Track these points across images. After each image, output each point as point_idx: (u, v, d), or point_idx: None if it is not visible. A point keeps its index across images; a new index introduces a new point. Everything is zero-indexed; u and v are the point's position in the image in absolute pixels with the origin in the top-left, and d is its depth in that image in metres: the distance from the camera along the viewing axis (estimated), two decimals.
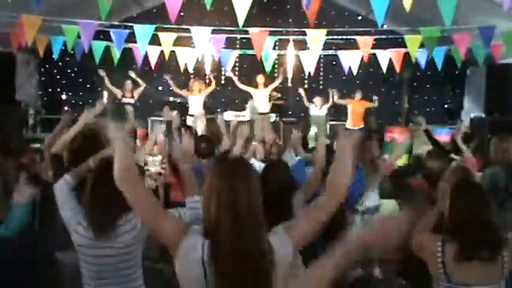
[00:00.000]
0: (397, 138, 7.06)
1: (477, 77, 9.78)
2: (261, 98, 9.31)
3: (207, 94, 9.21)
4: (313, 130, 9.37)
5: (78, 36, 7.67)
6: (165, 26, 7.77)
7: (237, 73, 10.07)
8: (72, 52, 8.29)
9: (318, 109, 9.70)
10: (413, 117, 10.04)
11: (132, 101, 9.04)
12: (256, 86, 9.31)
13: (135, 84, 9.12)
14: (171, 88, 9.33)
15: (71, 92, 10.85)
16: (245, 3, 6.08)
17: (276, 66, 10.28)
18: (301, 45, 8.99)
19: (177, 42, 8.49)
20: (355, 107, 9.61)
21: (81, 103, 10.18)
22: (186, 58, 9.08)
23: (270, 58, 9.29)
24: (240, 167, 1.66)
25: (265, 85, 9.28)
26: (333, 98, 9.61)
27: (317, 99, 9.73)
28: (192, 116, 9.09)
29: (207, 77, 9.58)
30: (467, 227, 2.26)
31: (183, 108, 9.32)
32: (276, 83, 9.29)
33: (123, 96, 8.99)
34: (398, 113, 11.13)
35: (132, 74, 8.98)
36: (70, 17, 7.36)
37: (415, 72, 10.45)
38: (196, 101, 9.16)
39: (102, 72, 8.75)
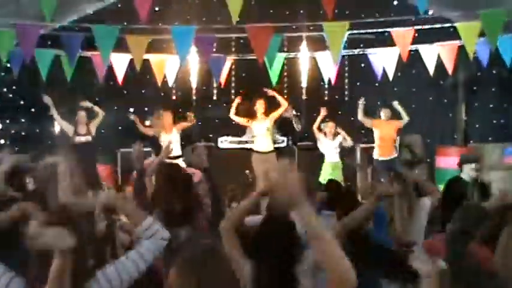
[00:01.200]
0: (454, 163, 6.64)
1: None
2: (261, 132, 8.88)
3: (183, 129, 8.95)
4: (324, 175, 8.96)
5: (16, 44, 7.73)
6: (134, 26, 7.90)
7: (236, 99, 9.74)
8: (7, 65, 8.32)
9: (329, 140, 9.18)
10: (473, 132, 10.04)
11: (88, 138, 8.70)
12: (253, 116, 8.93)
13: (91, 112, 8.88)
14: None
15: (8, 120, 10.66)
16: None
17: (285, 73, 10.33)
18: (318, 44, 9.03)
19: (152, 47, 8.52)
20: (383, 130, 9.11)
21: (23, 134, 10.09)
22: (164, 68, 9.13)
23: (277, 63, 9.27)
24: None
25: (267, 113, 8.89)
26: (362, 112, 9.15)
27: (329, 125, 9.25)
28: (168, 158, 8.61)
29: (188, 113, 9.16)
30: None
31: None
32: (281, 109, 8.91)
33: (76, 133, 8.65)
34: (453, 128, 10.92)
35: (87, 103, 8.76)
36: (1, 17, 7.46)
37: (474, 72, 10.38)
38: (168, 139, 8.67)
39: (47, 100, 8.50)
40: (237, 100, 9.11)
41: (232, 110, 9.02)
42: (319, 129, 9.20)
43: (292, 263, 2.79)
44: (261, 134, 8.86)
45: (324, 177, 8.81)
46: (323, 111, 9.11)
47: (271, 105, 9.08)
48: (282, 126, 9.84)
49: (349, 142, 9.18)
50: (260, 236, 2.90)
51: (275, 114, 8.89)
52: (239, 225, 3.35)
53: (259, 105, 8.87)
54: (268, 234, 2.86)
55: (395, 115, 9.25)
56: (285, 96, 9.74)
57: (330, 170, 8.97)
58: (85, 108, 8.82)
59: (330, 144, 9.17)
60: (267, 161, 8.73)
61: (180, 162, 8.09)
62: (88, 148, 8.58)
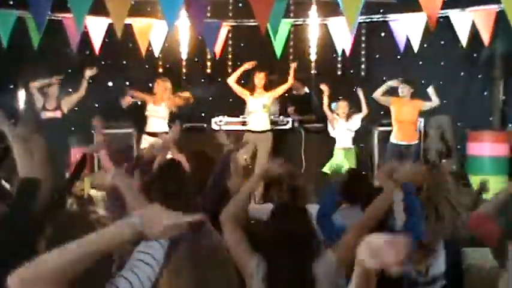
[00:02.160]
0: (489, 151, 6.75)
1: None
2: (257, 108, 9.03)
3: (177, 105, 9.06)
4: (335, 161, 9.07)
5: None
6: None
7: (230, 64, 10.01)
8: None
9: (343, 122, 9.21)
10: None
11: (57, 115, 8.75)
12: (252, 89, 9.06)
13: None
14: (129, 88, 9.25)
15: None
16: None
17: (291, 43, 10.33)
18: (330, 8, 9.15)
19: (135, 10, 8.54)
20: (402, 110, 9.07)
21: None
22: (149, 35, 9.23)
23: (282, 31, 9.33)
24: None
25: (266, 88, 9.03)
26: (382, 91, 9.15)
27: (341, 105, 9.26)
28: (151, 135, 8.80)
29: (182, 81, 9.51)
30: None
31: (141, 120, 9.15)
32: (284, 86, 9.09)
33: (44, 108, 8.69)
34: (489, 109, 10.82)
35: (88, 73, 8.80)
36: None
37: None
38: (159, 112, 8.98)
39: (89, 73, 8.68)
40: (246, 66, 9.17)
41: (233, 76, 9.12)
42: (331, 110, 9.24)
43: (310, 258, 2.90)
44: (256, 111, 9.00)
45: (333, 165, 8.92)
46: (325, 89, 9.11)
47: (273, 83, 9.21)
48: (296, 104, 9.94)
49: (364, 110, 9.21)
50: (271, 228, 3.00)
51: (277, 91, 9.06)
52: (243, 216, 3.50)
53: (258, 79, 8.99)
54: (281, 226, 2.94)
55: (420, 93, 9.17)
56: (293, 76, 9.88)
57: (341, 157, 9.04)
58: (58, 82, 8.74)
59: (344, 126, 9.20)
60: (259, 140, 8.92)
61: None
62: (55, 126, 8.64)
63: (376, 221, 3.21)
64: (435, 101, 8.98)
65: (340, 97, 9.42)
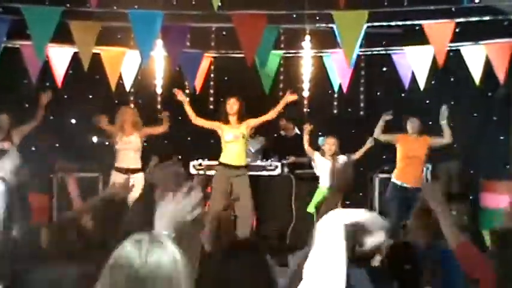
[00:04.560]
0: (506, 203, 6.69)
1: None
2: (231, 139, 8.82)
3: (148, 135, 9.08)
4: (313, 207, 9.05)
5: None
6: (81, 9, 8.30)
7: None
8: None
9: (327, 160, 9.15)
10: None
11: (6, 146, 8.59)
12: (225, 119, 8.90)
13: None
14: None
15: None
16: None
17: (282, 77, 10.51)
18: (325, 39, 9.21)
19: (103, 38, 8.65)
20: (410, 147, 9.09)
21: None
22: (120, 66, 9.29)
23: (271, 64, 9.48)
24: None
25: (240, 118, 8.84)
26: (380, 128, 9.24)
27: (329, 142, 9.20)
28: (122, 171, 8.71)
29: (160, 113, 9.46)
30: None
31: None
32: (264, 117, 8.94)
33: None
34: (505, 155, 10.86)
35: (44, 98, 8.70)
36: None
37: None
38: (128, 145, 8.82)
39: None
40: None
41: (192, 115, 8.95)
42: (312, 147, 9.23)
43: None
44: (232, 141, 8.76)
45: (312, 208, 8.91)
46: (306, 127, 9.13)
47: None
48: (282, 147, 10.02)
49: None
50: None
51: (257, 120, 8.87)
52: None
53: (230, 105, 8.78)
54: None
55: (429, 129, 9.24)
56: (281, 109, 9.71)
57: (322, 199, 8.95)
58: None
59: (328, 165, 8.95)
60: (235, 179, 8.66)
61: (139, 177, 8.11)
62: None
63: None
64: (447, 136, 8.95)
65: (328, 135, 9.38)
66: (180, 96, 8.88)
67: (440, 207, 3.46)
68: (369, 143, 9.21)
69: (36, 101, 9.09)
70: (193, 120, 8.97)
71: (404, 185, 8.94)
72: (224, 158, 8.80)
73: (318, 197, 9.01)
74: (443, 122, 8.94)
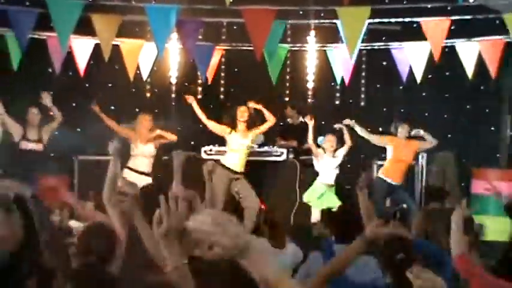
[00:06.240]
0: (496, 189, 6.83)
1: None
2: (240, 148, 8.70)
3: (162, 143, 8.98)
4: (311, 196, 9.05)
5: None
6: (102, 2, 8.05)
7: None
8: None
9: (328, 158, 9.11)
10: None
11: (38, 147, 8.60)
12: (234, 124, 8.70)
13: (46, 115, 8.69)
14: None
15: None
16: None
17: (288, 69, 10.42)
18: (329, 34, 9.21)
19: (123, 30, 8.58)
20: (401, 150, 9.13)
21: None
22: (137, 58, 9.21)
23: (278, 57, 9.40)
24: None
25: (249, 126, 8.72)
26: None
27: (329, 139, 9.11)
28: (134, 171, 8.75)
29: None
30: None
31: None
32: (266, 125, 8.83)
33: (24, 137, 8.49)
34: (496, 145, 10.85)
35: (47, 101, 8.58)
36: None
37: None
38: (144, 152, 8.87)
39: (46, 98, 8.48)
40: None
41: (202, 117, 8.82)
42: (317, 144, 9.11)
43: None
44: (238, 150, 8.66)
45: (309, 199, 8.96)
46: (310, 120, 8.99)
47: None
48: (289, 133, 9.92)
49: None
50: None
51: (260, 129, 8.81)
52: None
53: (241, 113, 8.62)
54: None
55: (426, 120, 9.36)
56: (287, 99, 9.97)
57: (320, 192, 8.98)
58: (39, 106, 8.62)
59: (330, 162, 9.06)
60: (235, 181, 8.62)
61: (147, 180, 8.28)
62: (36, 159, 8.50)
63: (343, 271, 3.05)
64: (430, 141, 9.04)
65: (328, 132, 9.30)
66: (191, 100, 8.74)
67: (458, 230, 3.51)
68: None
69: (60, 90, 9.11)
70: (204, 121, 8.80)
71: (389, 180, 9.03)
72: (226, 162, 8.61)
73: (313, 190, 8.99)
74: (422, 133, 8.97)
